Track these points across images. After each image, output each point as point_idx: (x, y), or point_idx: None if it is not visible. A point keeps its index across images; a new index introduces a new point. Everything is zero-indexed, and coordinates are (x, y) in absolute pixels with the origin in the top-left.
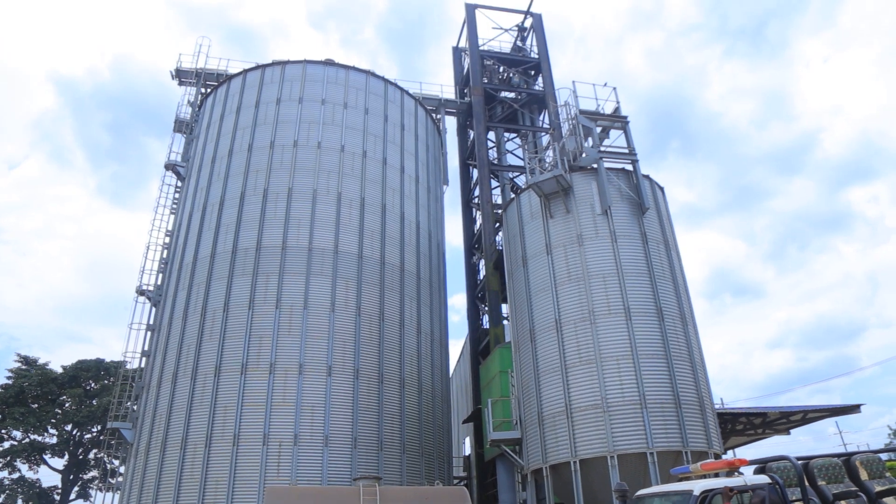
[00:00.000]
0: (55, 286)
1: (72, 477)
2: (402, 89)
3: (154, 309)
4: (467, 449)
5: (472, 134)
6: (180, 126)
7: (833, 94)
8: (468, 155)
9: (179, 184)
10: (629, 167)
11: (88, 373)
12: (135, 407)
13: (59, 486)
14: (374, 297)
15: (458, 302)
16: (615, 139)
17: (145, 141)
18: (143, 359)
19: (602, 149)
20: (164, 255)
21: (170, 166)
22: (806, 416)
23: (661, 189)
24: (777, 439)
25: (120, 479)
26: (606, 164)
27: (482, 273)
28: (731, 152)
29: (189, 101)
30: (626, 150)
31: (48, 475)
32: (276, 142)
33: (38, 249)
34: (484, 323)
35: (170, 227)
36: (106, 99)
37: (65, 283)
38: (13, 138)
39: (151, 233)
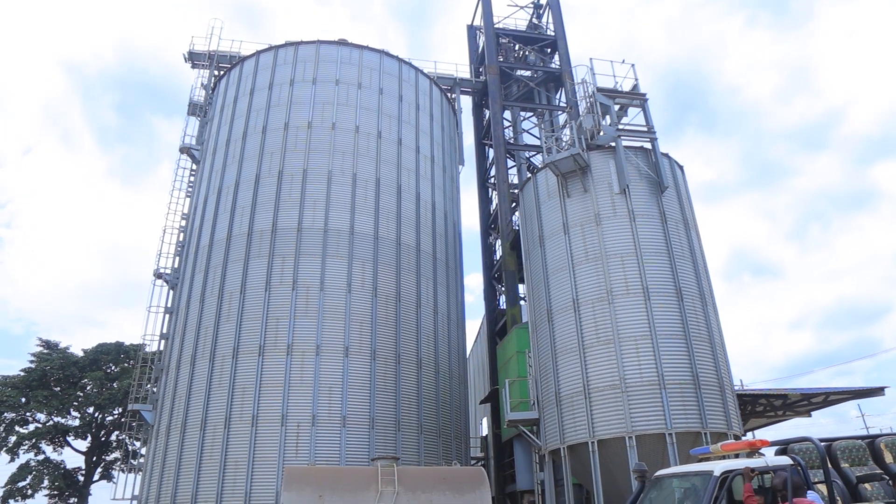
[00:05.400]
0: (71, 270)
1: (95, 458)
2: (416, 69)
3: (171, 292)
4: (484, 429)
5: (487, 113)
6: (194, 109)
7: (860, 66)
8: (484, 134)
9: (194, 167)
10: (648, 145)
11: (108, 356)
12: (154, 389)
13: (83, 467)
14: (390, 278)
15: (473, 282)
16: (633, 117)
17: (154, 122)
18: (162, 341)
19: (620, 127)
20: (181, 239)
21: (184, 149)
22: (828, 398)
23: (681, 167)
24: (797, 421)
25: (142, 460)
26: (624, 143)
27: (498, 253)
28: (753, 128)
29: (202, 84)
30: (645, 128)
31: (72, 456)
32: (291, 123)
33: (52, 234)
34: (501, 303)
35: (185, 211)
36: (113, 80)
37: (80, 267)
38: (24, 123)
39: (167, 216)
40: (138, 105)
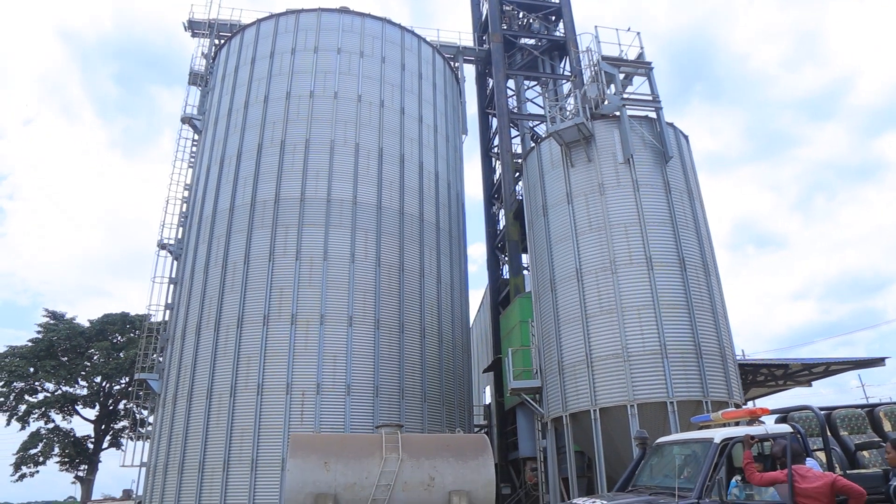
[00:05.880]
0: (75, 242)
1: (103, 427)
2: (419, 37)
3: (176, 262)
4: (487, 398)
5: (490, 82)
6: (195, 78)
7: (870, 34)
8: (487, 104)
9: (196, 137)
10: (652, 115)
11: (114, 326)
12: (160, 359)
13: (92, 435)
14: (393, 248)
15: (476, 252)
16: (638, 86)
17: (154, 91)
18: (167, 312)
19: (625, 96)
20: (184, 209)
21: (186, 119)
22: (828, 368)
23: (686, 137)
24: (798, 391)
25: (149, 428)
26: (629, 112)
27: (502, 223)
28: (759, 97)
29: (203, 53)
30: (650, 98)
31: (81, 425)
32: (293, 92)
33: (55, 206)
34: (504, 273)
35: (188, 181)
36: (111, 50)
37: (84, 238)
38: (23, 94)
39: (170, 186)
40: (138, 75)
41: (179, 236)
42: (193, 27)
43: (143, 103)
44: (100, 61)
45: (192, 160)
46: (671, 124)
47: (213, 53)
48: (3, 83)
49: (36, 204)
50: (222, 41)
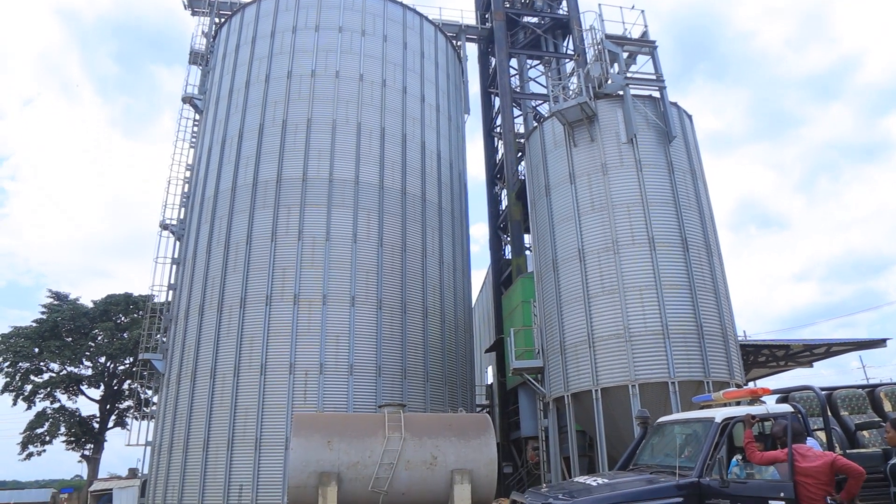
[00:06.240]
0: (77, 222)
1: (108, 406)
2: (421, 15)
3: (178, 243)
4: (490, 377)
5: (493, 61)
6: (195, 58)
7: (878, 12)
8: (489, 83)
9: (197, 117)
10: (656, 94)
11: (118, 307)
12: (164, 339)
13: (98, 414)
14: (395, 228)
15: (479, 232)
16: (642, 65)
17: (155, 71)
18: (170, 292)
19: (628, 75)
20: (186, 190)
21: (187, 99)
22: (830, 349)
23: (689, 117)
24: (799, 372)
25: (154, 407)
26: (633, 91)
27: (504, 203)
28: (763, 76)
29: (203, 32)
30: (654, 77)
31: (86, 405)
32: (294, 72)
33: (57, 186)
34: (506, 253)
35: (190, 161)
36: (110, 28)
37: (86, 219)
38: (22, 74)
39: (172, 167)
40: (138, 54)
41: (182, 217)
42: (193, 5)
43: (144, 83)
44: (98, 40)
45: (194, 140)
46: (675, 104)
47: (213, 32)
48: (2, 64)
49: (37, 184)
50: (222, 20)
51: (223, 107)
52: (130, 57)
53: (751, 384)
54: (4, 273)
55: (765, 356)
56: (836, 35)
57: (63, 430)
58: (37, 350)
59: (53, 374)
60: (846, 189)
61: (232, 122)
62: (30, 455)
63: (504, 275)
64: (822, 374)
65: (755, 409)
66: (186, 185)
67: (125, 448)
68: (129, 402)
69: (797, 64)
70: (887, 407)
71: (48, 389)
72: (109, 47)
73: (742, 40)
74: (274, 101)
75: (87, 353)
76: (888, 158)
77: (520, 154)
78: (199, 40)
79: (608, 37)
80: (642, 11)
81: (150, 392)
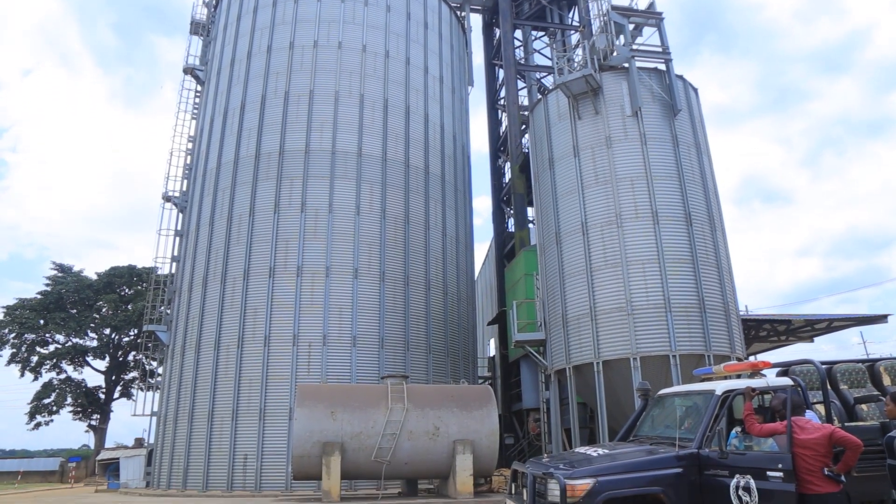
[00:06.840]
0: (79, 194)
1: (114, 377)
2: None
3: (181, 215)
4: (492, 350)
5: (497, 32)
6: (197, 28)
7: None
8: (494, 55)
9: (199, 88)
10: (662, 67)
11: (122, 279)
12: (168, 311)
13: (103, 385)
14: (398, 200)
15: (482, 205)
16: (648, 37)
17: (155, 41)
18: (174, 264)
19: (634, 47)
20: (188, 161)
21: (188, 70)
22: (831, 324)
23: (695, 90)
24: (800, 346)
25: (159, 378)
26: (638, 64)
27: (507, 176)
28: (771, 49)
29: (204, 2)
30: (660, 49)
31: (92, 376)
32: (296, 42)
33: (58, 158)
34: (509, 226)
35: (192, 133)
36: None
37: (88, 190)
38: (20, 45)
39: (174, 139)
40: (137, 24)
41: (184, 189)
42: None
43: (144, 53)
44: (97, 10)
45: (196, 111)
46: (680, 76)
47: (214, 1)
48: (1, 34)
49: (39, 156)
50: None
51: (225, 77)
52: (130, 27)
53: (752, 358)
54: (7, 245)
55: (766, 331)
56: (845, 8)
57: (70, 400)
58: (42, 322)
59: (59, 346)
60: (851, 165)
61: (234, 94)
62: (38, 425)
63: (507, 248)
64: (822, 349)
65: (755, 382)
66: (189, 157)
67: (131, 418)
68: (134, 374)
69: (805, 37)
70: (886, 381)
71: (54, 360)
72: (108, 17)
73: (750, 12)
74: (276, 72)
75: (92, 325)
76: (894, 134)
77: (524, 127)
78: (199, 10)
79: (614, 8)
80: None
81: (154, 363)
